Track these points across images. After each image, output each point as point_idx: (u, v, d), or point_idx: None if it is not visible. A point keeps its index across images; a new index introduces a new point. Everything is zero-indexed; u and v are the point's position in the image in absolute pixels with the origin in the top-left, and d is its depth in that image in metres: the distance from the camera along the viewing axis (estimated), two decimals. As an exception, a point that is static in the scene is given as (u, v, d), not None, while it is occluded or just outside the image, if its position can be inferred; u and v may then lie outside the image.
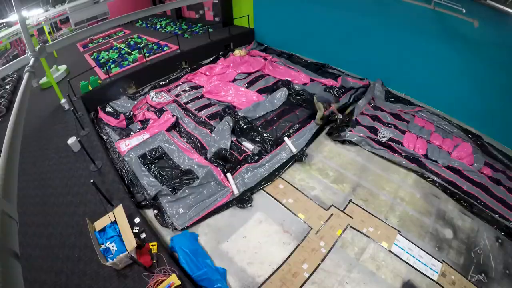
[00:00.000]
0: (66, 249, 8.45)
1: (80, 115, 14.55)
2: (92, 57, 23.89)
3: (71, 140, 12.03)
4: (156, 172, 11.91)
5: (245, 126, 13.67)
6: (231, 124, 13.62)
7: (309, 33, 20.30)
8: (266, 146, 12.65)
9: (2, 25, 19.85)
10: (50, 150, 12.76)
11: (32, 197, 10.53)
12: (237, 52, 21.93)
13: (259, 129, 13.55)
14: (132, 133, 14.26)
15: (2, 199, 2.05)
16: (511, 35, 11.02)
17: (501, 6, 9.73)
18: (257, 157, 12.13)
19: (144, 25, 33.11)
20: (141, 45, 23.28)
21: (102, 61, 22.02)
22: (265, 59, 20.60)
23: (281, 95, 15.95)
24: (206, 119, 14.84)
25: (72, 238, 8.74)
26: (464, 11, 10.57)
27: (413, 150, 12.23)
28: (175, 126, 14.66)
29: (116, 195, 10.06)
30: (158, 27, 30.71)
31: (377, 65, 16.76)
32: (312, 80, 17.90)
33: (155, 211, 10.17)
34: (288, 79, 17.87)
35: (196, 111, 15.59)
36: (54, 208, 9.88)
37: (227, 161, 11.91)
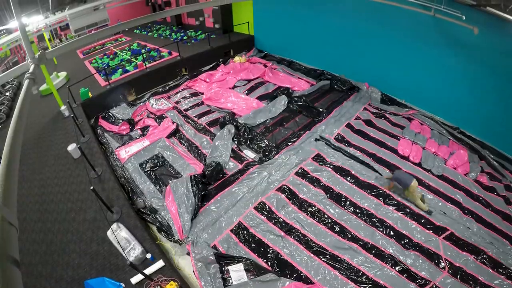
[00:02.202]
0: (66, 255, 8.43)
1: (80, 122, 14.55)
2: (95, 63, 23.94)
3: (71, 147, 12.03)
4: (156, 180, 11.83)
5: (245, 133, 13.71)
6: (232, 131, 13.63)
7: (309, 40, 20.35)
8: (266, 153, 12.66)
9: (2, 32, 19.91)
10: (50, 157, 12.75)
11: (32, 203, 10.51)
12: (237, 59, 21.98)
13: (260, 136, 13.61)
14: (132, 140, 14.20)
15: (2, 205, 2.05)
16: (510, 42, 11.06)
17: (501, 13, 9.76)
18: (256, 163, 12.18)
19: (144, 32, 33.18)
20: (143, 52, 23.28)
21: (113, 64, 22.15)
22: (265, 66, 20.62)
23: (281, 102, 15.96)
24: (206, 126, 14.80)
25: (72, 244, 8.72)
26: (464, 18, 10.60)
27: (408, 157, 12.37)
28: (175, 133, 14.61)
29: (116, 202, 10.04)
30: (158, 34, 30.76)
31: (376, 71, 16.81)
32: (312, 85, 18.06)
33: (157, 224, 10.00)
34: (288, 86, 17.94)
35: (196, 118, 15.58)
36: (54, 215, 9.86)
37: (217, 178, 11.72)
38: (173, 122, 15.02)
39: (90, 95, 16.71)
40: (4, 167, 2.47)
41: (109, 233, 8.78)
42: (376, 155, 12.47)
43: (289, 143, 13.29)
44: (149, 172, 12.25)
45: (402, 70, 15.65)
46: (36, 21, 18.29)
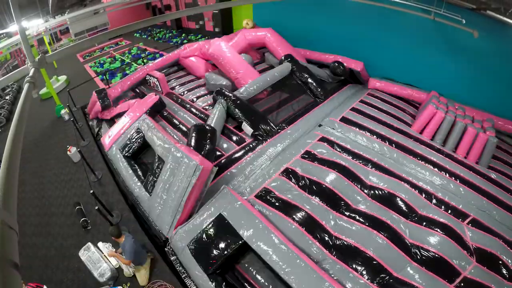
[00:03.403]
0: (66, 259, 8.43)
1: (80, 125, 14.54)
2: (94, 67, 24.00)
3: (71, 151, 12.03)
4: (138, 167, 10.24)
5: (242, 109, 11.74)
6: (225, 106, 11.88)
7: (310, 44, 20.29)
8: (267, 131, 11.17)
9: (2, 36, 19.96)
10: (50, 160, 12.76)
11: (32, 207, 10.52)
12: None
13: (259, 115, 11.80)
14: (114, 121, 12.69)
15: (2, 209, 2.04)
16: (511, 46, 11.08)
17: (501, 17, 9.77)
18: (255, 143, 10.81)
19: (144, 35, 33.28)
20: (143, 56, 23.31)
21: (113, 67, 22.32)
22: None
23: (284, 69, 14.13)
24: (202, 109, 13.24)
25: (72, 248, 8.71)
26: (463, 21, 10.59)
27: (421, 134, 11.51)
28: (161, 109, 12.89)
29: (116, 205, 10.03)
30: (159, 37, 30.89)
31: (376, 74, 16.79)
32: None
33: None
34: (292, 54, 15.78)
35: (191, 101, 14.08)
36: (53, 219, 9.87)
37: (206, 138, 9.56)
38: (156, 95, 12.57)
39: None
40: (4, 171, 2.47)
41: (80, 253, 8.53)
42: (386, 136, 11.20)
43: (290, 124, 11.91)
44: (130, 158, 10.65)
45: (401, 73, 15.63)
46: (36, 25, 18.32)
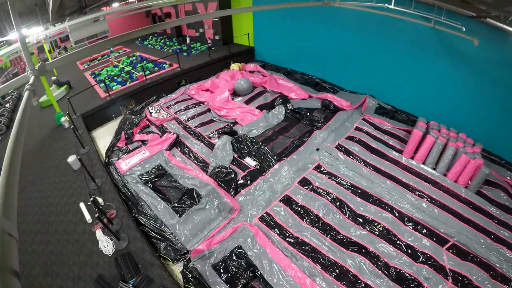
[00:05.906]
0: (65, 267, 8.39)
1: (80, 133, 14.55)
2: (93, 75, 23.99)
3: (71, 159, 12.01)
4: (158, 192, 11.70)
5: (245, 143, 13.67)
6: (230, 140, 13.64)
7: (310, 52, 20.35)
8: (268, 161, 12.67)
9: (2, 43, 19.98)
10: (50, 168, 12.74)
11: (32, 215, 10.48)
12: (234, 66, 21.99)
13: (260, 146, 13.48)
14: (131, 150, 14.06)
15: (2, 217, 2.04)
16: (511, 53, 11.11)
17: (501, 25, 9.80)
18: (258, 173, 12.20)
19: (145, 42, 33.33)
20: (142, 64, 23.29)
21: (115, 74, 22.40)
22: (264, 76, 20.60)
23: (280, 112, 16.05)
24: (207, 136, 14.75)
25: (72, 256, 8.68)
26: (464, 29, 10.64)
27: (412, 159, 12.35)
28: (176, 144, 14.50)
29: (117, 213, 10.01)
30: (160, 46, 30.92)
31: (375, 81, 16.83)
32: (310, 96, 18.07)
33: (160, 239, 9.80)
34: (287, 95, 18.15)
35: (197, 128, 15.47)
36: (54, 226, 9.83)
37: (226, 180, 11.61)
38: (174, 133, 14.84)
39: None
40: (4, 178, 2.46)
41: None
42: (378, 167, 12.18)
43: (290, 152, 13.27)
44: (149, 183, 12.09)
45: (401, 81, 15.67)
46: (36, 33, 18.33)
